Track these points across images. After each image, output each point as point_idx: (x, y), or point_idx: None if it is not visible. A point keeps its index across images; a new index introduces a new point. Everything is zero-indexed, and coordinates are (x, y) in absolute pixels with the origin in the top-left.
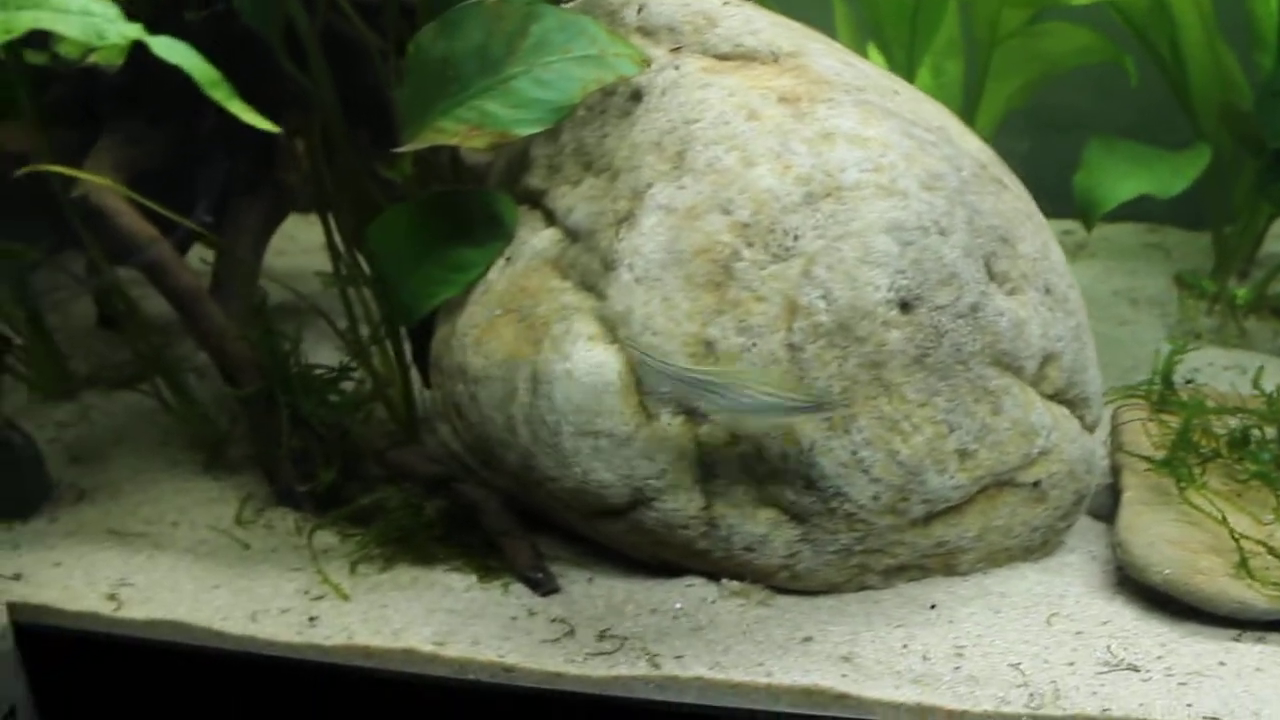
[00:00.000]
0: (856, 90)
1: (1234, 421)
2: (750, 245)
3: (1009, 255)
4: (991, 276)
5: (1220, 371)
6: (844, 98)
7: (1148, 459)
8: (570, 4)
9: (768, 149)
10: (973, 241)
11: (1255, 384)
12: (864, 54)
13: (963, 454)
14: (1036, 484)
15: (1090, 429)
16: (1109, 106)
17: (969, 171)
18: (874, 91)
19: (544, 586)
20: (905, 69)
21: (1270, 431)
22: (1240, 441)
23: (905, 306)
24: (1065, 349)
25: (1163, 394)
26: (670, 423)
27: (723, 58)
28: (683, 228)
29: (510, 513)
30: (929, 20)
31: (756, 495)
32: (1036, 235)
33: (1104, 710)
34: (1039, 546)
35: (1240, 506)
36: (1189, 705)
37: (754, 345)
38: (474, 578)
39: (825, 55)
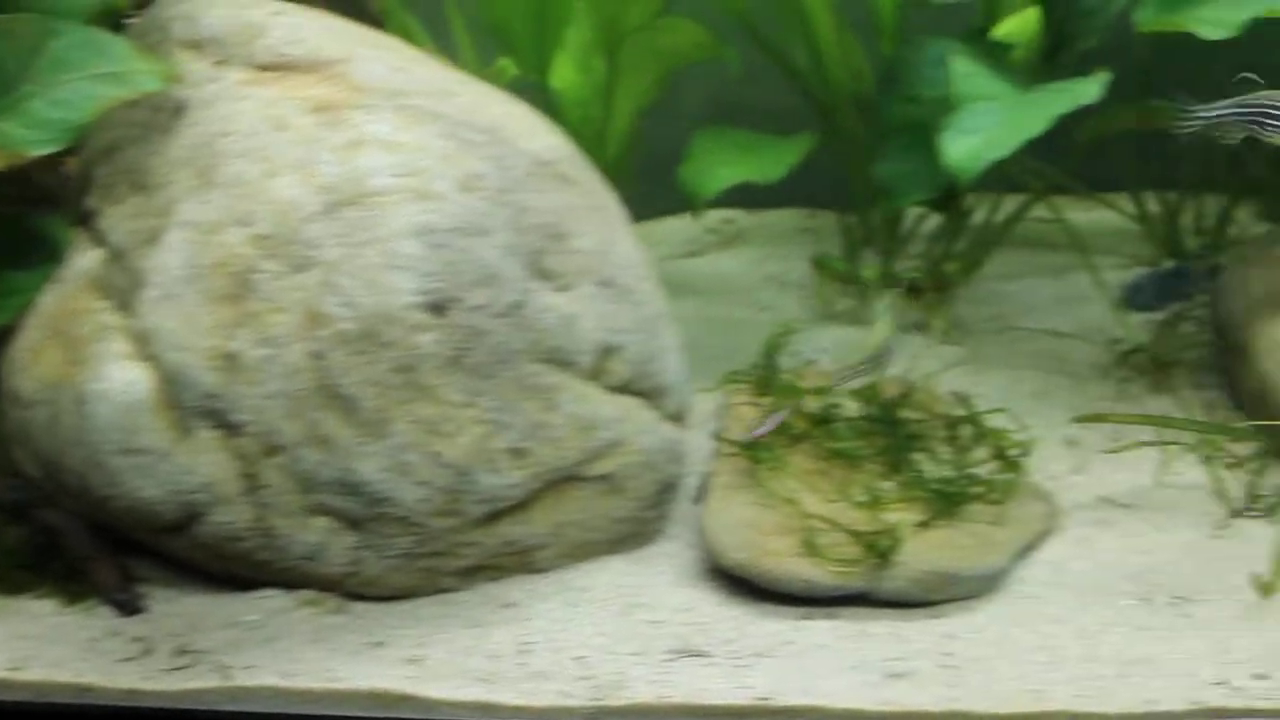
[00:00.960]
0: (399, 95)
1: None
2: (270, 257)
3: (561, 252)
4: (539, 274)
5: (846, 350)
6: (383, 103)
7: (734, 442)
8: (132, 20)
9: (293, 159)
10: (516, 240)
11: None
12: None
13: (516, 452)
14: (608, 477)
15: (674, 418)
16: (766, 97)
17: (521, 170)
18: (422, 95)
19: (129, 607)
20: (537, 68)
21: (869, 409)
22: (825, 420)
23: (438, 309)
24: (630, 341)
25: (765, 377)
26: (207, 436)
27: (265, 68)
28: (203, 242)
29: (94, 535)
30: (556, 18)
31: (305, 504)
32: (600, 230)
33: (661, 697)
34: (628, 538)
35: (819, 485)
36: (745, 687)
37: (276, 356)
38: (59, 603)
39: (372, 61)
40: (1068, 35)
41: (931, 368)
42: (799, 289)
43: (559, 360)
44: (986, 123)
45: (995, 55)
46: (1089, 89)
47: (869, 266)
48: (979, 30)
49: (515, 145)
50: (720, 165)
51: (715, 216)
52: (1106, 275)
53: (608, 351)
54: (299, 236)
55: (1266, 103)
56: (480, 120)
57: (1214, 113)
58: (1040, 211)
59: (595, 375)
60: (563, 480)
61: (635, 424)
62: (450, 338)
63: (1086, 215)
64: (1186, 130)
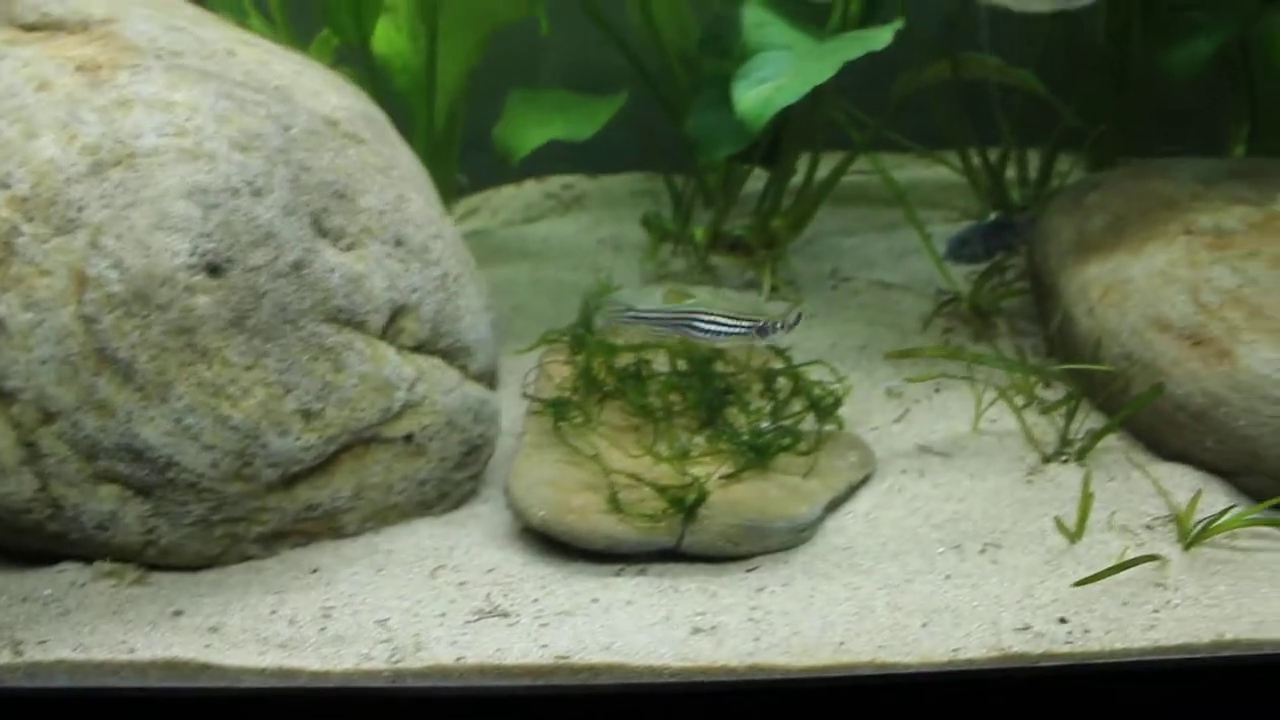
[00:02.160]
0: (171, 55)
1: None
2: (30, 220)
3: (346, 211)
4: (322, 233)
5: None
6: (153, 63)
7: (540, 400)
8: None
9: (54, 119)
10: (296, 199)
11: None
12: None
13: (307, 414)
14: (409, 438)
15: (479, 378)
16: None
17: (302, 129)
18: (198, 56)
19: None
20: (357, 34)
21: (679, 364)
22: (633, 377)
23: (214, 270)
24: (425, 300)
25: (580, 337)
26: None
27: (29, 28)
28: None
29: None
30: None
31: (91, 471)
32: (390, 189)
33: (459, 659)
34: (438, 500)
35: (629, 441)
36: (544, 646)
37: (43, 321)
38: None
39: (144, 21)
40: None
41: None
42: (635, 251)
43: (347, 320)
44: (777, 71)
45: (796, 7)
46: (880, 36)
47: (698, 227)
48: None
49: (300, 105)
50: (533, 125)
51: (556, 182)
52: (937, 228)
53: (400, 310)
54: (61, 198)
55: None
56: (263, 80)
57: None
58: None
59: (388, 335)
60: (361, 442)
61: (435, 384)
62: (229, 299)
63: (923, 172)
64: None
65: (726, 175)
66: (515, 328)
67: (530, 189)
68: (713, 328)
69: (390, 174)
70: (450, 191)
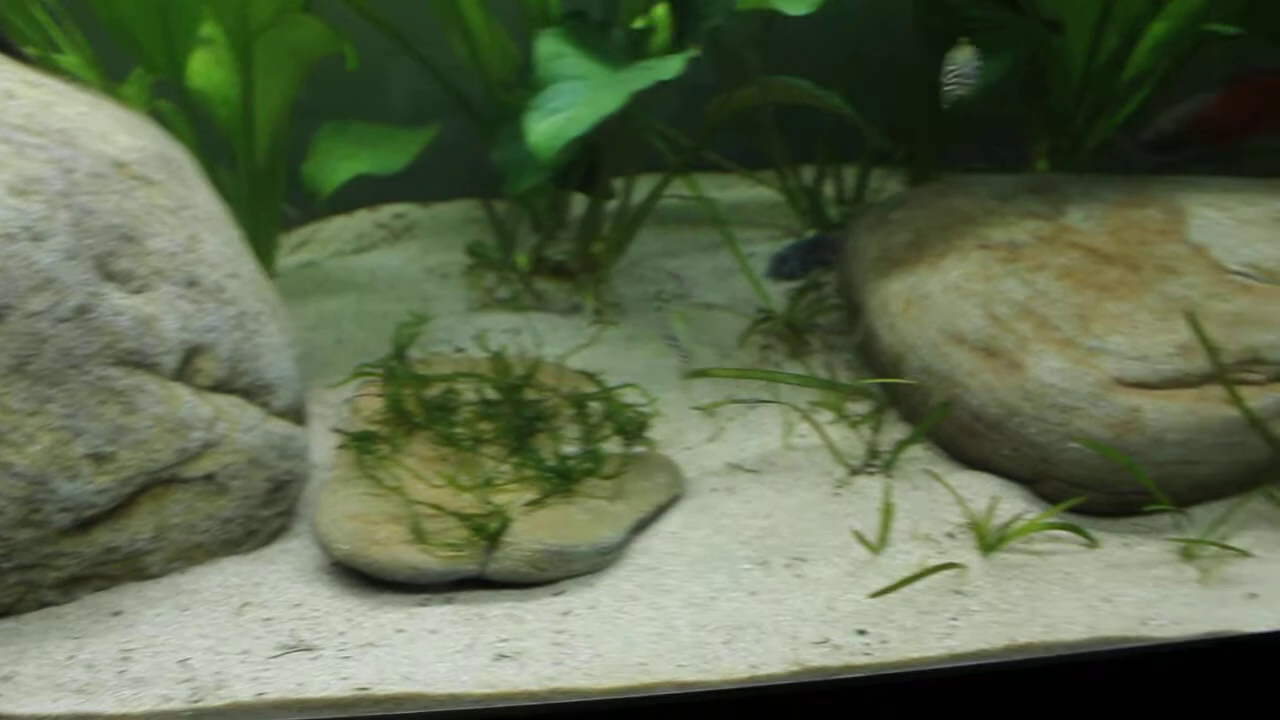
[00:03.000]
0: None
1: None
2: None
3: (134, 254)
4: (109, 277)
5: (500, 335)
6: None
7: (346, 434)
8: None
9: None
10: (79, 244)
11: (483, 345)
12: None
13: (98, 458)
14: (210, 477)
15: (283, 414)
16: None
17: (86, 172)
18: None
19: None
20: (169, 69)
21: (492, 394)
22: (440, 408)
23: None
24: (221, 339)
25: (392, 369)
26: None
27: None
28: None
29: None
30: (184, 16)
31: None
32: (182, 230)
33: (259, 695)
34: (246, 538)
35: (435, 471)
36: (345, 678)
37: None
38: None
39: None
40: (694, 18)
41: (575, 345)
42: (462, 279)
43: (138, 362)
44: (568, 102)
45: (597, 36)
46: (671, 65)
47: (521, 253)
48: (578, 13)
49: (85, 148)
50: (340, 159)
51: (388, 211)
52: (761, 247)
53: (196, 351)
54: None
55: None
56: (45, 123)
57: None
58: (710, 190)
59: (183, 376)
60: (159, 483)
61: (235, 422)
62: (9, 345)
63: (749, 192)
64: None
65: (553, 200)
66: (337, 361)
67: (362, 218)
68: None
69: (182, 215)
70: (275, 225)
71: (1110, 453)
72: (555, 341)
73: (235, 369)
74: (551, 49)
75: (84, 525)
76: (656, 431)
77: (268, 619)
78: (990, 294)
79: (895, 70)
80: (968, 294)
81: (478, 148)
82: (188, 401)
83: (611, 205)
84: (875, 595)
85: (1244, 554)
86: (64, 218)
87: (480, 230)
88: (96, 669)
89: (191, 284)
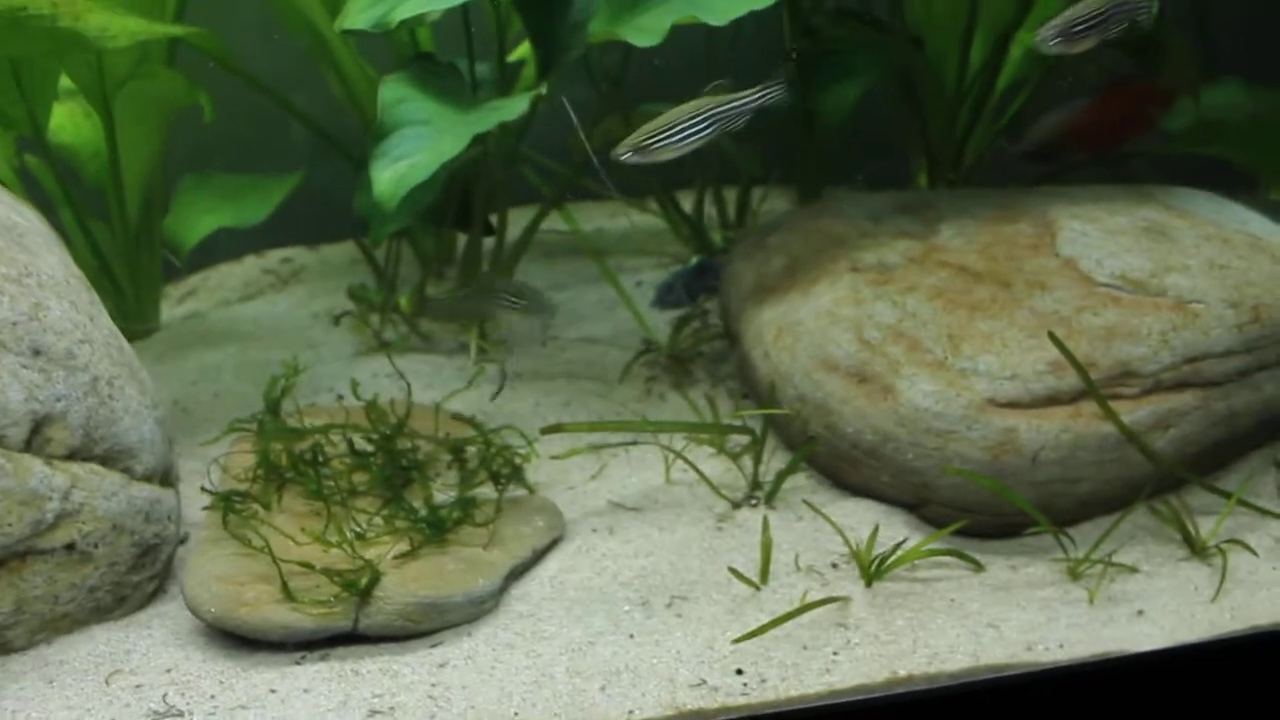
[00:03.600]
0: None
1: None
2: None
3: None
4: None
5: (384, 380)
6: None
7: (212, 494)
8: None
9: None
10: None
11: (354, 393)
12: None
13: None
14: (70, 546)
15: (148, 478)
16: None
17: None
18: None
19: None
20: (30, 125)
21: (360, 442)
22: (310, 462)
23: None
24: (72, 407)
25: (264, 423)
26: None
27: None
28: None
29: None
30: (40, 72)
31: None
32: (24, 299)
33: None
34: (115, 604)
35: (306, 527)
36: None
37: None
38: None
39: None
40: (557, 49)
41: (459, 388)
42: (347, 323)
43: None
44: (411, 148)
45: (445, 78)
46: (515, 105)
47: (404, 294)
48: (426, 55)
49: None
50: (202, 214)
51: (275, 256)
52: (649, 275)
53: (45, 420)
54: None
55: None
56: None
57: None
58: (598, 218)
59: (33, 447)
60: (14, 556)
61: (94, 489)
62: None
63: (636, 219)
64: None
65: (437, 237)
66: (216, 415)
67: (249, 265)
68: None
69: (25, 283)
70: (156, 276)
71: (982, 479)
72: (439, 384)
73: (90, 436)
74: (395, 94)
75: None
76: (539, 472)
77: (138, 686)
78: (861, 318)
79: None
80: (839, 319)
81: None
82: (38, 472)
83: (490, 241)
84: (740, 640)
85: (1130, 569)
86: None
87: (368, 272)
88: None
89: (37, 353)
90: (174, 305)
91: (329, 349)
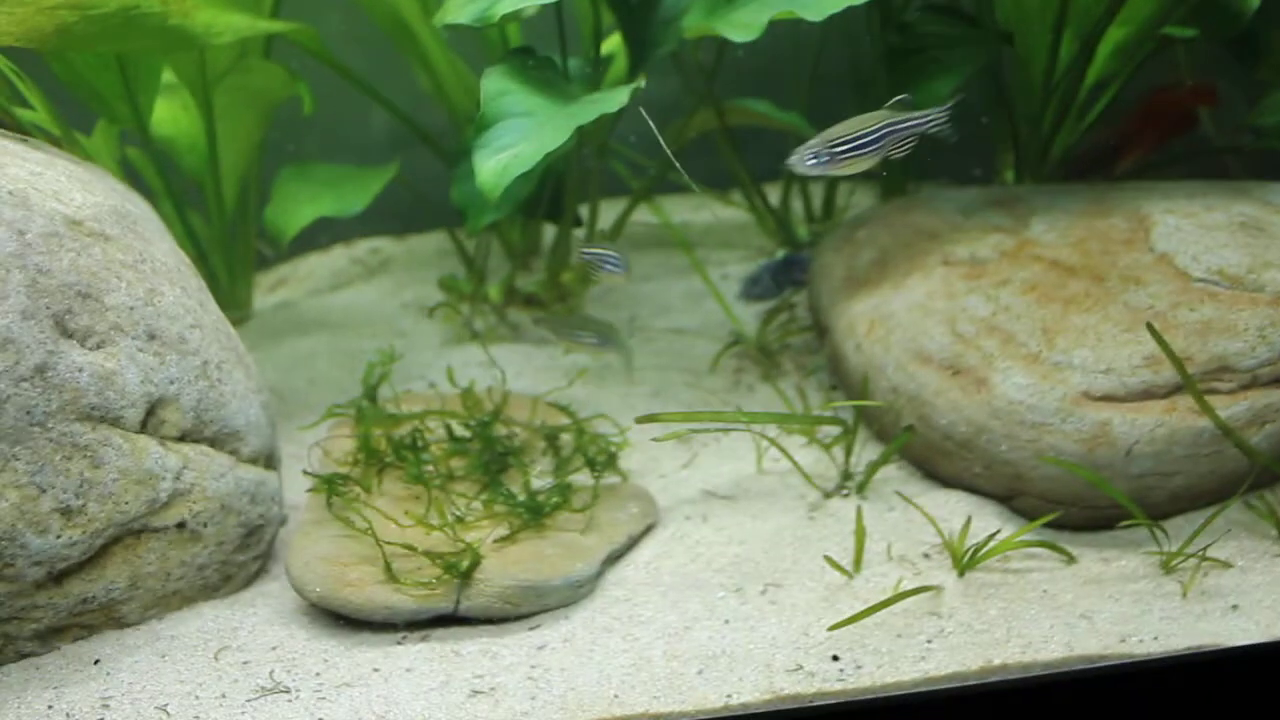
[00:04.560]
0: None
1: (441, 425)
2: None
3: (92, 310)
4: (67, 334)
5: (474, 369)
6: None
7: (316, 476)
8: None
9: None
10: (36, 304)
11: (450, 380)
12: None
13: (66, 511)
14: (181, 525)
15: (253, 460)
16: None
17: (39, 232)
18: None
19: None
20: (133, 119)
21: (461, 430)
22: (410, 447)
23: None
24: (184, 390)
25: (362, 408)
26: None
27: None
28: None
29: None
30: (143, 67)
31: None
32: (140, 284)
33: None
34: (222, 582)
35: (407, 511)
36: (320, 718)
37: None
38: None
39: None
40: (649, 45)
41: (555, 379)
42: (436, 313)
43: (101, 417)
44: (513, 139)
45: (544, 71)
46: (616, 98)
47: (493, 285)
48: (525, 48)
49: (38, 208)
50: (302, 203)
51: (364, 246)
52: (735, 268)
53: (159, 403)
54: None
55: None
56: None
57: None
58: (684, 212)
59: (148, 428)
60: (130, 533)
61: (203, 470)
62: None
63: (722, 212)
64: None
65: (524, 230)
66: (312, 400)
67: (338, 255)
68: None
69: (140, 269)
70: (250, 266)
71: (1079, 470)
72: (529, 373)
73: (200, 418)
74: (497, 86)
75: (58, 577)
76: (631, 461)
77: (245, 662)
78: (954, 311)
79: (856, 85)
80: (931, 312)
81: (446, 181)
82: (153, 453)
83: (579, 232)
84: (838, 626)
85: (1225, 565)
86: (18, 279)
87: (455, 263)
88: (75, 718)
89: (152, 337)
90: (264, 294)
91: (418, 338)
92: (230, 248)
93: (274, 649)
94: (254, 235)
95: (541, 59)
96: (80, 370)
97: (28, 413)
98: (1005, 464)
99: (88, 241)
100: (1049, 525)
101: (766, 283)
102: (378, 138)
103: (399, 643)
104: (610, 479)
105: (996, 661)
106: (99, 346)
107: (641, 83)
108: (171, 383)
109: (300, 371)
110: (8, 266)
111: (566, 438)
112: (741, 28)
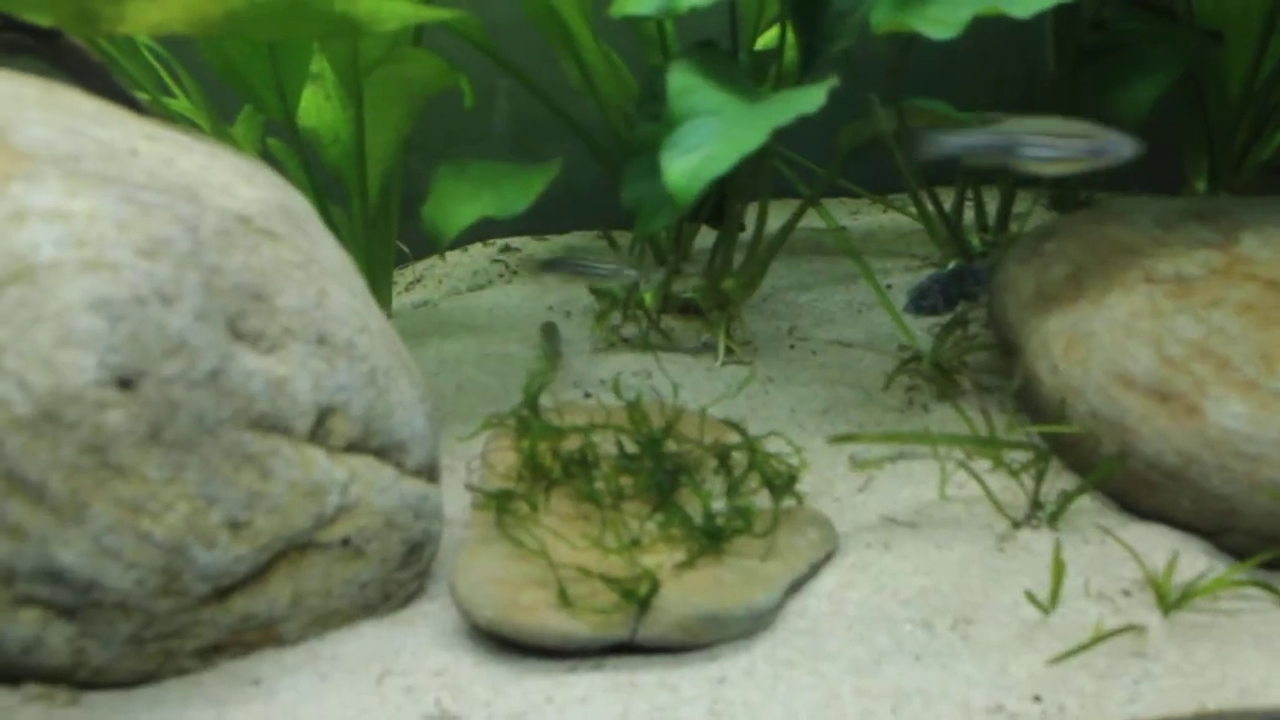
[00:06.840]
0: (69, 160)
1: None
2: None
3: (263, 312)
4: (239, 337)
5: (629, 377)
6: (49, 170)
7: (483, 492)
8: None
9: None
10: (209, 304)
11: (617, 392)
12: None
13: (234, 525)
14: (346, 541)
15: (417, 473)
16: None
17: (211, 229)
18: (96, 158)
19: None
20: (281, 109)
21: (626, 446)
22: (580, 463)
23: (125, 384)
24: (353, 398)
25: (524, 419)
26: None
27: None
28: None
29: None
30: (294, 57)
31: (9, 597)
32: (309, 285)
33: None
34: (382, 601)
35: (577, 531)
36: None
37: None
38: None
39: (38, 125)
40: (822, 40)
41: (714, 391)
42: (585, 317)
43: (271, 426)
44: (705, 139)
45: (728, 66)
46: (813, 97)
47: (648, 290)
48: (707, 43)
49: (208, 203)
50: (462, 202)
51: (499, 245)
52: (898, 279)
53: (328, 411)
54: None
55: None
56: (167, 180)
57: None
58: (840, 216)
59: (316, 438)
60: (295, 549)
61: (369, 484)
62: (143, 413)
63: (881, 218)
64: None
65: (678, 232)
66: (461, 408)
67: (476, 254)
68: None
69: (309, 269)
70: (390, 264)
71: None
72: (688, 384)
73: (368, 428)
74: (683, 82)
75: (223, 594)
76: (803, 482)
77: (409, 687)
78: (1160, 332)
79: (1037, 88)
80: (1135, 332)
81: (596, 179)
82: (322, 464)
83: (741, 237)
84: (1055, 661)
85: None
86: (192, 278)
87: None
88: None
89: (322, 341)
90: (401, 293)
91: (567, 344)
92: (372, 245)
93: (439, 674)
94: (395, 232)
95: (723, 53)
96: (252, 376)
97: (199, 420)
98: (1217, 498)
99: (257, 239)
100: (1262, 565)
101: (936, 295)
102: (509, 134)
103: (571, 670)
104: (786, 502)
105: (1211, 706)
106: (270, 351)
107: (835, 80)
108: (341, 390)
109: (447, 376)
110: (183, 265)
111: (738, 456)
112: (940, 24)
